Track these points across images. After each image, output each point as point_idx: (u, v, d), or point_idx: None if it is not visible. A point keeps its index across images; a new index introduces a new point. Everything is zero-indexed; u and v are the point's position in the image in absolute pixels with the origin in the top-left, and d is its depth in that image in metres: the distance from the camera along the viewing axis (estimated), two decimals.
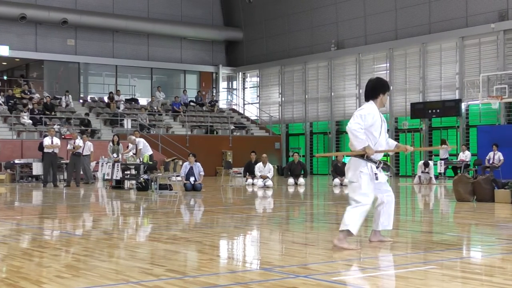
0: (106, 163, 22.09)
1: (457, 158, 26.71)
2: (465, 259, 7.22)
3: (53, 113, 32.03)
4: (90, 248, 7.74)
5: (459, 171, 24.88)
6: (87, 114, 32.91)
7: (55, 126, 28.85)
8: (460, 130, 29.31)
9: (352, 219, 7.48)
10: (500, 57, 27.79)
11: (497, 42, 28.03)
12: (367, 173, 7.53)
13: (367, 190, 7.51)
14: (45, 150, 22.36)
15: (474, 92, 27.38)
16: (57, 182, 22.63)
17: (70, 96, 34.42)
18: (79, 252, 7.49)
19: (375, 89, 7.77)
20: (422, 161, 24.06)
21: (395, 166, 31.06)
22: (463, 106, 29.04)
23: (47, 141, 22.27)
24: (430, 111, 29.62)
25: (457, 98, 29.31)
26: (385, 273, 6.30)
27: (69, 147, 22.64)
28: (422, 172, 23.44)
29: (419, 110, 30.00)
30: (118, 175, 20.89)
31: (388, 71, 32.41)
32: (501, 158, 24.20)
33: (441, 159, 26.51)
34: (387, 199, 7.86)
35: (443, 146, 23.06)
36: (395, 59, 32.21)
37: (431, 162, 24.00)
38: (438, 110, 29.30)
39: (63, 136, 27.81)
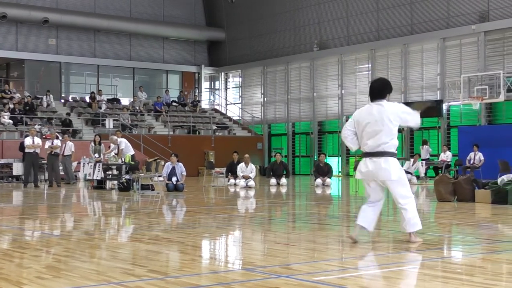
0: (88, 163, 21.97)
1: (438, 159, 26.86)
2: (446, 259, 7.26)
3: (34, 113, 31.82)
4: (71, 249, 7.69)
5: (440, 171, 25.02)
6: (68, 114, 32.72)
7: (36, 126, 28.65)
8: (441, 130, 29.48)
9: (415, 215, 7.82)
10: (480, 58, 27.99)
11: (477, 44, 28.23)
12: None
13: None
14: (26, 150, 22.19)
15: (455, 93, 27.55)
16: (38, 182, 22.47)
17: (51, 96, 34.20)
18: (60, 252, 7.44)
19: (384, 89, 7.94)
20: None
21: None
22: (444, 106, 29.21)
23: (28, 141, 22.10)
24: None
25: (438, 98, 29.48)
26: (366, 273, 6.32)
27: (46, 146, 22.48)
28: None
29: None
30: (99, 175, 20.79)
31: (370, 72, 32.53)
32: (482, 158, 24.37)
33: (422, 160, 26.65)
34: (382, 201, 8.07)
35: None
36: (377, 60, 32.34)
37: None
38: (420, 111, 29.40)
39: (44, 136, 27.63)
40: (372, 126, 7.74)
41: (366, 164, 7.78)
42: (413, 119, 7.92)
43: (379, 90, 7.95)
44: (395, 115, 7.75)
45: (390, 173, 7.69)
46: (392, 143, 7.73)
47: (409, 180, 23.42)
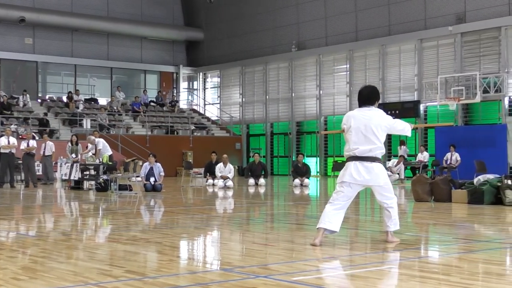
0: (65, 164, 21.82)
1: (415, 159, 27.04)
2: (423, 259, 7.31)
3: (10, 112, 31.52)
4: (47, 250, 7.63)
5: (417, 171, 25.19)
6: (45, 114, 32.47)
7: (12, 126, 28.39)
8: (418, 131, 29.67)
9: (397, 214, 8.07)
10: (457, 59, 28.21)
11: (454, 45, 28.44)
12: None
13: None
14: (2, 151, 21.96)
15: (432, 93, 27.74)
16: (14, 182, 22.27)
17: (28, 95, 33.91)
18: (36, 253, 7.38)
19: (374, 97, 8.10)
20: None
21: None
22: (422, 107, 29.40)
23: (3, 141, 21.88)
24: (389, 112, 29.87)
25: (415, 99, 29.67)
26: (344, 273, 6.34)
27: (22, 147, 22.28)
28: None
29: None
30: (76, 175, 20.66)
31: (348, 72, 32.66)
32: (458, 158, 24.56)
33: None
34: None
35: None
36: (355, 61, 32.47)
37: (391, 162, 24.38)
38: (397, 111, 29.59)
39: (20, 136, 27.37)
40: (363, 131, 7.81)
41: (357, 169, 7.80)
42: (404, 130, 8.12)
43: (369, 97, 8.07)
44: (386, 123, 7.90)
45: (380, 178, 7.85)
46: (381, 150, 7.88)
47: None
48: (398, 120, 8.13)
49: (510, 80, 26.66)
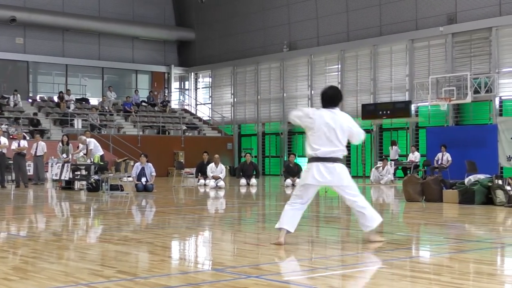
0: (56, 164, 21.75)
1: (406, 159, 27.09)
2: (414, 259, 7.33)
3: (0, 112, 31.41)
4: (38, 250, 7.61)
5: (408, 171, 25.24)
6: (35, 114, 32.36)
7: (2, 126, 28.29)
8: (409, 131, 29.74)
9: (372, 209, 8.06)
10: (448, 59, 28.29)
11: (445, 45, 28.53)
12: None
13: None
14: None
15: (424, 94, 27.81)
16: (5, 183, 22.18)
17: (18, 95, 33.80)
18: (27, 254, 7.36)
19: (336, 97, 8.03)
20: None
21: (347, 167, 31.28)
22: (413, 107, 29.46)
23: None
24: (380, 112, 29.98)
25: (407, 99, 29.72)
26: (335, 273, 6.35)
27: (13, 147, 22.20)
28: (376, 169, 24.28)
29: (370, 111, 30.31)
30: (67, 175, 20.60)
31: (339, 73, 32.70)
32: (449, 159, 24.63)
33: (391, 160, 26.87)
34: None
35: None
36: (346, 61, 32.51)
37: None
38: (388, 111, 29.67)
39: (11, 136, 27.28)
40: (326, 133, 7.79)
41: (319, 171, 7.77)
42: (359, 134, 8.02)
43: (333, 98, 8.03)
44: (347, 125, 7.88)
45: (343, 178, 7.87)
46: (343, 151, 7.89)
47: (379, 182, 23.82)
48: (356, 124, 8.05)
49: (500, 81, 26.77)
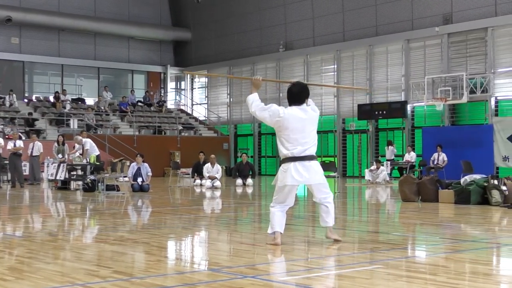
0: (51, 164, 21.72)
1: (402, 159, 27.11)
2: (410, 258, 7.34)
3: None
4: (34, 250, 7.60)
5: (404, 171, 25.26)
6: (30, 114, 32.28)
7: None
8: (405, 131, 29.76)
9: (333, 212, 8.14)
10: (444, 60, 28.32)
11: (441, 45, 28.56)
12: None
13: None
14: None
15: (419, 94, 27.84)
16: (1, 183, 22.14)
17: (14, 95, 33.74)
18: (23, 254, 7.35)
19: (302, 94, 7.95)
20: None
21: (342, 167, 31.32)
22: (409, 107, 29.50)
23: None
24: (376, 112, 30.02)
25: (403, 99, 29.75)
26: (331, 273, 6.35)
27: (9, 147, 22.17)
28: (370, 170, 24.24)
29: (366, 111, 30.36)
30: (63, 175, 20.57)
31: (335, 73, 32.71)
32: (445, 159, 24.66)
33: (387, 160, 26.89)
34: None
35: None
36: (342, 61, 32.52)
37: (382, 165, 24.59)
38: (384, 112, 29.72)
39: (6, 136, 27.24)
40: (300, 131, 7.76)
41: (298, 170, 7.73)
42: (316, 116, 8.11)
43: (300, 95, 7.96)
44: (316, 120, 7.93)
45: (319, 175, 7.88)
46: (315, 147, 7.91)
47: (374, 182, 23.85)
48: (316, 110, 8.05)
49: (496, 81, 26.81)
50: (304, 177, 7.75)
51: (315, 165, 7.84)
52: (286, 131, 7.78)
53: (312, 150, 7.82)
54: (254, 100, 7.92)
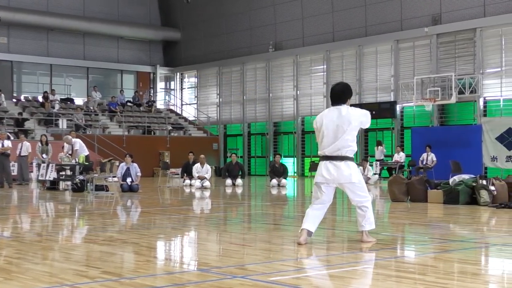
0: (35, 164, 21.62)
1: (392, 159, 27.19)
2: (399, 258, 7.35)
3: None
4: (22, 251, 7.56)
5: (394, 172, 25.33)
6: (20, 114, 32.16)
7: None
8: (395, 131, 29.85)
9: (372, 214, 8.07)
10: (433, 60, 28.43)
11: (430, 46, 28.66)
12: None
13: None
14: None
15: (409, 94, 27.93)
16: None
17: (2, 95, 33.60)
18: (11, 254, 7.31)
19: (344, 94, 8.04)
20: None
21: None
22: (398, 108, 29.58)
23: None
24: None
25: (392, 100, 29.84)
26: (321, 273, 6.36)
27: None
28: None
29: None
30: (51, 175, 20.49)
31: (325, 73, 32.76)
32: (434, 159, 24.74)
33: (376, 160, 26.96)
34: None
35: None
36: (332, 61, 32.58)
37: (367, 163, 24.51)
38: (373, 112, 29.66)
39: None
40: (333, 130, 7.82)
41: (327, 168, 7.84)
42: (368, 120, 8.07)
43: (340, 94, 8.05)
44: (356, 120, 7.88)
45: (351, 175, 7.83)
46: (352, 148, 7.87)
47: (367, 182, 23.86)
48: (362, 113, 8.04)
49: (485, 81, 26.93)
50: (333, 176, 7.81)
51: (346, 165, 7.82)
52: (320, 130, 7.93)
53: (347, 151, 7.82)
54: None
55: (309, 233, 7.93)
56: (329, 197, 8.02)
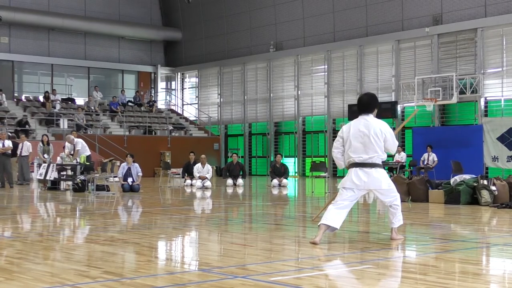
0: (37, 164, 21.62)
1: (393, 159, 27.17)
2: (400, 258, 7.35)
3: None
4: (24, 251, 7.56)
5: (395, 171, 25.31)
6: (25, 116, 32.13)
7: None
8: (395, 131, 29.79)
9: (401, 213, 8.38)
10: (434, 60, 28.42)
11: (431, 46, 28.66)
12: None
13: None
14: None
15: (410, 94, 27.93)
16: None
17: (3, 95, 33.62)
18: (12, 254, 7.31)
19: (371, 104, 8.32)
20: None
21: (332, 167, 31.33)
22: (399, 108, 29.57)
23: None
24: None
25: (393, 100, 29.83)
26: (322, 273, 6.36)
27: None
28: None
29: (356, 111, 30.20)
30: (52, 175, 20.49)
31: (326, 73, 32.76)
32: (435, 159, 24.74)
33: None
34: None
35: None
36: (333, 61, 32.58)
37: None
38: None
39: None
40: (361, 141, 8.02)
41: (358, 175, 8.02)
42: (394, 142, 8.23)
43: (367, 104, 8.30)
44: (381, 131, 8.08)
45: (382, 182, 8.06)
46: (380, 156, 8.07)
47: None
48: (391, 132, 8.23)
49: (486, 81, 26.92)
50: (363, 182, 8.01)
51: (376, 171, 8.03)
52: (346, 141, 8.13)
53: (375, 159, 8.00)
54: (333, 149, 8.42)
55: (332, 229, 8.07)
56: (354, 201, 8.20)
